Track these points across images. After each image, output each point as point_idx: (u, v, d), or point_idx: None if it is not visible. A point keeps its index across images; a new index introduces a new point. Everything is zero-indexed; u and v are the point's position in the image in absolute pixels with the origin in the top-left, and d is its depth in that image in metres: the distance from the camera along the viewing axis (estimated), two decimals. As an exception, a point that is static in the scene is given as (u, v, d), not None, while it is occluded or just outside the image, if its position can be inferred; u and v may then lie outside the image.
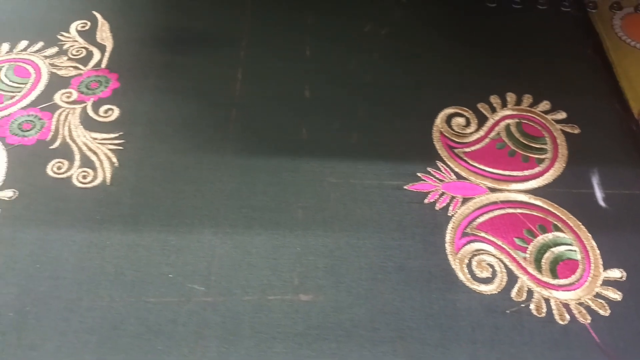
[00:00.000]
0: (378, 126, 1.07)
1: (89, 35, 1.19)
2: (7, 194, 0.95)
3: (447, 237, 0.93)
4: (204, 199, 0.95)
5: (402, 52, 1.19)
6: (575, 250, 0.92)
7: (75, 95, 1.08)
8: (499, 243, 0.93)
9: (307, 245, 0.91)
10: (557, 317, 0.86)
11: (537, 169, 1.02)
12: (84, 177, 0.97)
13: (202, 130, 1.05)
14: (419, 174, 1.00)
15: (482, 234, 0.94)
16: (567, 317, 0.85)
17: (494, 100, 1.12)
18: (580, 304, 0.87)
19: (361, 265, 0.89)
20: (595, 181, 1.01)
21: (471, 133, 1.07)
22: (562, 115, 1.10)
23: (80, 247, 0.89)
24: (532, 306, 0.87)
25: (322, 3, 1.27)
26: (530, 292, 0.88)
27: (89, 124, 1.04)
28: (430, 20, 1.25)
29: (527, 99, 1.12)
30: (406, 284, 0.88)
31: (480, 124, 1.08)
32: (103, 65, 1.14)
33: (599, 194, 0.99)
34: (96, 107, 1.07)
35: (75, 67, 1.13)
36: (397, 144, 1.04)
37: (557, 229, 0.95)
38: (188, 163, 1.00)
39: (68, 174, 0.98)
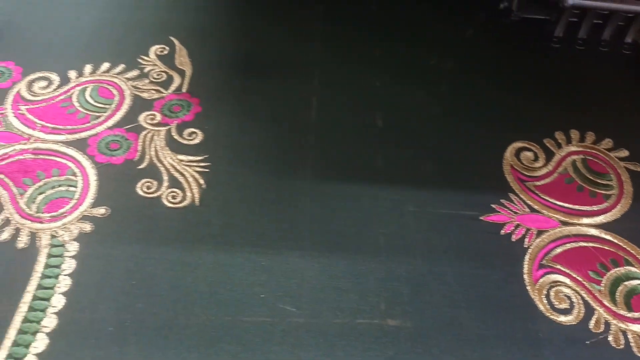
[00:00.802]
0: (449, 156, 1.11)
1: (168, 59, 1.24)
2: (100, 211, 0.98)
3: (525, 268, 0.96)
4: (289, 223, 0.99)
5: (468, 86, 1.24)
6: (648, 285, 0.95)
7: (159, 117, 1.13)
8: (575, 275, 0.96)
9: (391, 271, 0.94)
10: (635, 349, 0.89)
11: (604, 205, 1.06)
12: (174, 197, 1.01)
13: (282, 155, 1.09)
14: (493, 205, 1.04)
15: (558, 266, 0.97)
16: (647, 349, 0.88)
17: (559, 136, 1.16)
18: (658, 337, 0.90)
19: (444, 293, 0.92)
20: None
21: (540, 167, 1.11)
22: (624, 153, 1.14)
23: (173, 266, 0.92)
24: (610, 338, 0.90)
25: (388, 37, 1.33)
26: (607, 324, 0.91)
27: (174, 146, 1.08)
28: (494, 57, 1.30)
29: (590, 136, 1.17)
30: (489, 312, 0.91)
31: (548, 159, 1.12)
32: (184, 89, 1.18)
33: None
34: (180, 130, 1.11)
35: (157, 91, 1.17)
36: (469, 174, 1.08)
37: (629, 263, 0.98)
38: (271, 187, 1.03)
39: (157, 193, 1.01)
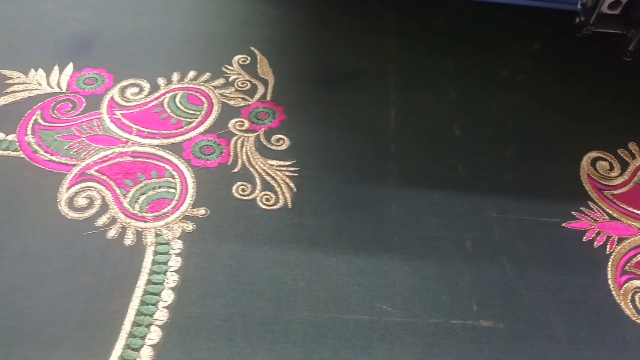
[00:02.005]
0: (527, 165, 1.15)
1: (250, 69, 1.30)
2: (200, 211, 1.03)
3: (609, 274, 0.99)
4: (378, 227, 1.03)
5: (539, 98, 1.27)
6: None
7: (247, 124, 1.18)
8: (658, 282, 0.99)
9: (480, 275, 0.98)
10: None
11: (682, 215, 1.09)
12: (267, 199, 1.06)
13: (366, 163, 1.13)
14: (573, 213, 1.07)
15: (641, 273, 1.00)
16: None
17: (632, 147, 1.19)
18: None
19: (533, 296, 0.95)
20: None
21: (616, 177, 1.14)
22: (697, 164, 1.17)
23: (273, 264, 0.97)
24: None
25: (459, 50, 1.37)
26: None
27: (264, 151, 1.14)
28: (563, 70, 1.34)
29: (663, 147, 1.19)
30: (577, 316, 0.94)
31: (623, 169, 1.15)
32: (268, 98, 1.24)
33: None
34: (268, 136, 1.16)
35: (243, 99, 1.23)
36: (548, 183, 1.12)
37: None
38: (358, 192, 1.08)
39: (252, 196, 1.06)
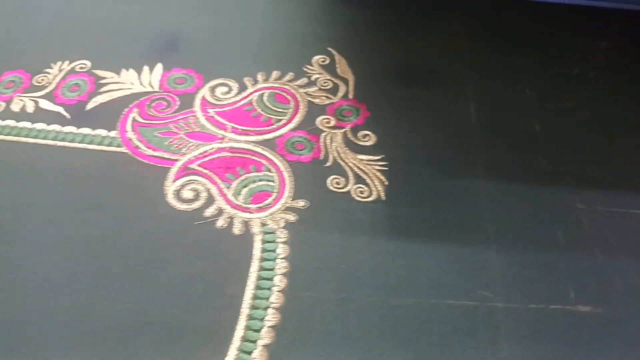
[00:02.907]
0: (608, 158, 1.18)
1: (330, 68, 1.35)
2: (300, 203, 1.09)
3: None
4: (470, 217, 1.08)
5: (613, 93, 1.31)
6: None
7: (333, 121, 1.24)
8: None
9: (573, 263, 1.02)
10: None
11: None
12: (361, 192, 1.11)
13: (452, 156, 1.18)
14: (657, 205, 1.11)
15: None
16: None
17: None
18: None
19: (628, 284, 0.99)
20: None
21: (695, 169, 1.17)
22: None
23: (374, 253, 1.02)
24: None
25: (528, 48, 1.41)
26: None
27: (352, 146, 1.19)
28: (632, 66, 1.37)
29: None
30: (672, 303, 0.97)
31: (702, 163, 1.18)
32: (350, 96, 1.29)
33: None
34: (354, 132, 1.21)
35: (327, 97, 1.29)
36: (629, 175, 1.15)
37: None
38: (447, 185, 1.13)
39: (346, 189, 1.12)
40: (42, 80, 1.31)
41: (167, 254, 1.01)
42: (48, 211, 1.07)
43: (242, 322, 0.93)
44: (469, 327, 0.93)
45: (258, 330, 0.92)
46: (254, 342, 0.91)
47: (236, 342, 0.91)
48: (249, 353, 0.90)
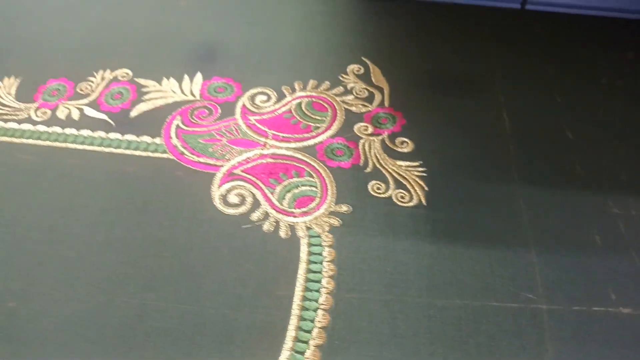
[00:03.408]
0: (638, 165, 1.21)
1: (365, 77, 1.39)
2: (344, 208, 1.12)
3: None
4: (510, 222, 1.10)
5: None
6: None
7: (370, 129, 1.27)
8: None
9: (612, 266, 1.04)
10: None
11: None
12: (402, 197, 1.14)
13: (488, 163, 1.21)
14: (692, 210, 1.13)
15: None
16: None
17: None
18: None
19: (666, 286, 1.02)
20: None
21: None
22: None
23: (418, 256, 1.05)
24: None
25: (557, 57, 1.45)
26: None
27: (391, 153, 1.22)
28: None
29: None
30: None
31: None
32: (386, 104, 1.33)
33: None
34: (392, 139, 1.25)
35: (364, 105, 1.32)
36: (662, 182, 1.18)
37: None
38: (485, 190, 1.15)
39: (387, 194, 1.15)
40: (86, 88, 1.35)
41: (217, 256, 1.04)
42: (98, 214, 1.10)
43: (293, 323, 0.95)
44: (515, 328, 0.96)
45: (309, 331, 0.95)
46: (306, 342, 0.93)
47: (289, 342, 0.93)
48: (302, 353, 0.92)
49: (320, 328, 0.95)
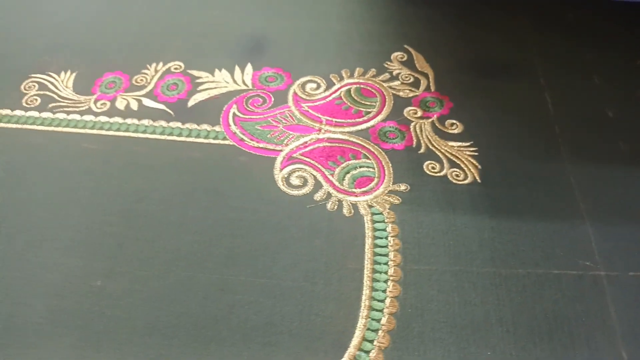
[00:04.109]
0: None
1: (409, 64, 1.44)
2: (402, 187, 1.17)
3: None
4: (563, 197, 1.15)
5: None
6: None
7: (419, 112, 1.32)
8: None
9: (664, 235, 1.09)
10: None
11: None
12: (457, 175, 1.19)
13: (536, 142, 1.26)
14: None
15: None
16: None
17: None
18: None
19: None
20: None
21: None
22: None
23: (479, 230, 1.10)
24: None
25: (591, 41, 1.50)
26: None
27: (441, 134, 1.27)
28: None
29: None
30: None
31: None
32: (432, 89, 1.38)
33: None
34: (441, 121, 1.30)
35: (411, 90, 1.37)
36: None
37: None
38: (536, 168, 1.21)
39: (442, 173, 1.20)
40: (141, 80, 1.40)
41: (287, 233, 1.09)
42: (170, 198, 1.15)
43: (366, 293, 1.01)
44: (577, 294, 1.01)
45: (382, 300, 1.00)
46: (381, 310, 0.98)
47: (364, 310, 0.98)
48: (378, 320, 0.97)
49: (392, 297, 1.00)
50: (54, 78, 1.42)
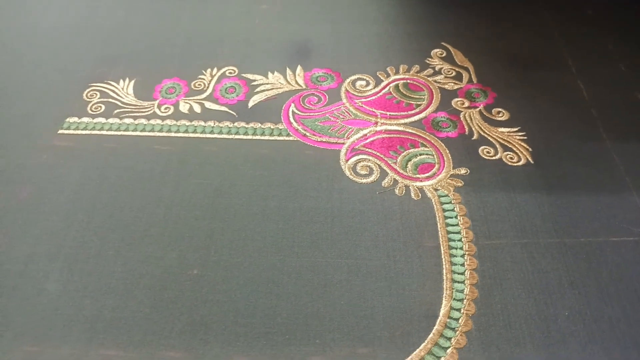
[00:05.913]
0: None
1: (449, 60, 1.54)
2: (462, 170, 1.26)
3: None
4: (609, 173, 1.25)
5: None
6: None
7: (466, 102, 1.42)
8: None
9: None
10: None
11: None
12: (511, 158, 1.29)
13: (577, 125, 1.36)
14: None
15: None
16: None
17: None
18: None
19: None
20: None
21: None
22: None
23: (540, 205, 1.19)
24: None
25: (613, 34, 1.62)
26: None
27: (490, 122, 1.37)
28: None
29: None
30: None
31: None
32: (475, 80, 1.48)
33: None
34: (488, 110, 1.40)
35: (455, 83, 1.47)
36: None
37: None
38: (581, 149, 1.31)
39: (497, 157, 1.29)
40: (199, 85, 1.47)
41: (364, 217, 1.17)
42: (249, 191, 1.22)
43: (446, 267, 1.09)
44: (637, 258, 1.10)
45: (462, 273, 1.08)
46: (462, 282, 1.07)
47: (447, 282, 1.06)
48: (461, 291, 1.05)
49: (471, 270, 1.08)
50: (113, 86, 1.48)
